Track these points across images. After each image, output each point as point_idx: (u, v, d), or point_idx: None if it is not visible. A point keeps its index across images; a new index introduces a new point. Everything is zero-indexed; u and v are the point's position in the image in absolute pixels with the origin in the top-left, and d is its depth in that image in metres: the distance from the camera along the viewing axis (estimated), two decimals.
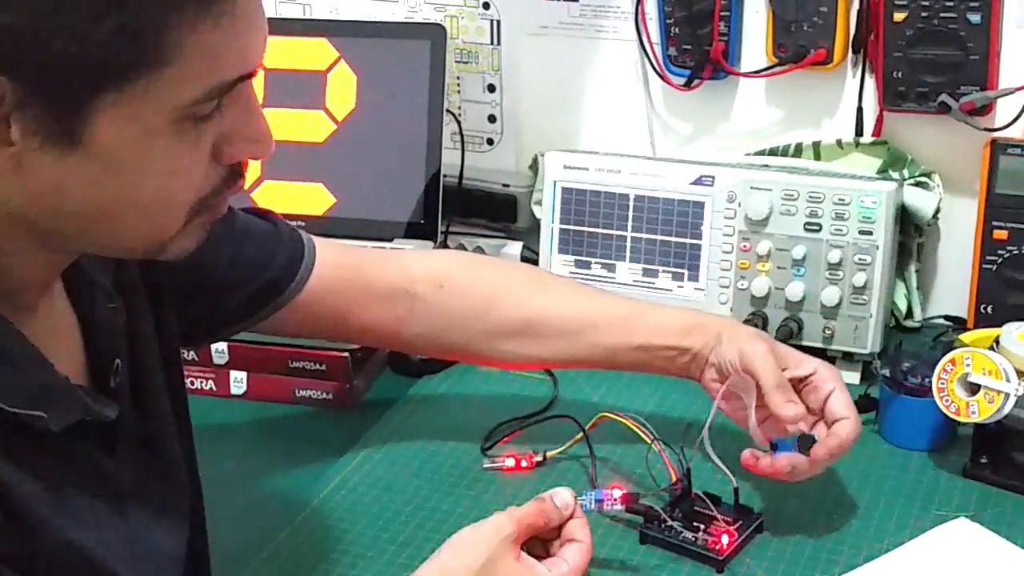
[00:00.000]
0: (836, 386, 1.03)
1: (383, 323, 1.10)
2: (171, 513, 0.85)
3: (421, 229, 1.48)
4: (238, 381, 1.29)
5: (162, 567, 0.82)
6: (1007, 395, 1.05)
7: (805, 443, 0.98)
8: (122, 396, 0.81)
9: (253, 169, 1.51)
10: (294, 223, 1.47)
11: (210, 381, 1.29)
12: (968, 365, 1.07)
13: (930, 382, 1.10)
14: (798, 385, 1.04)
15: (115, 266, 0.84)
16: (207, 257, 0.97)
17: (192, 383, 1.29)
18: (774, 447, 0.99)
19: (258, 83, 1.49)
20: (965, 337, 1.20)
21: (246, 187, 1.51)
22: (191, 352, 1.28)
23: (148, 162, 0.70)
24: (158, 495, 0.83)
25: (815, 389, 1.04)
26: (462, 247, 1.59)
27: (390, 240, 1.47)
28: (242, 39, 0.70)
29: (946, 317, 1.44)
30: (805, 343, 1.30)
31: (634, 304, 1.13)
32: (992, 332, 1.14)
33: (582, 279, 1.40)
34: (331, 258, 1.07)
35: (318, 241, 1.08)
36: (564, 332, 1.10)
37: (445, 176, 1.49)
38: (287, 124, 1.50)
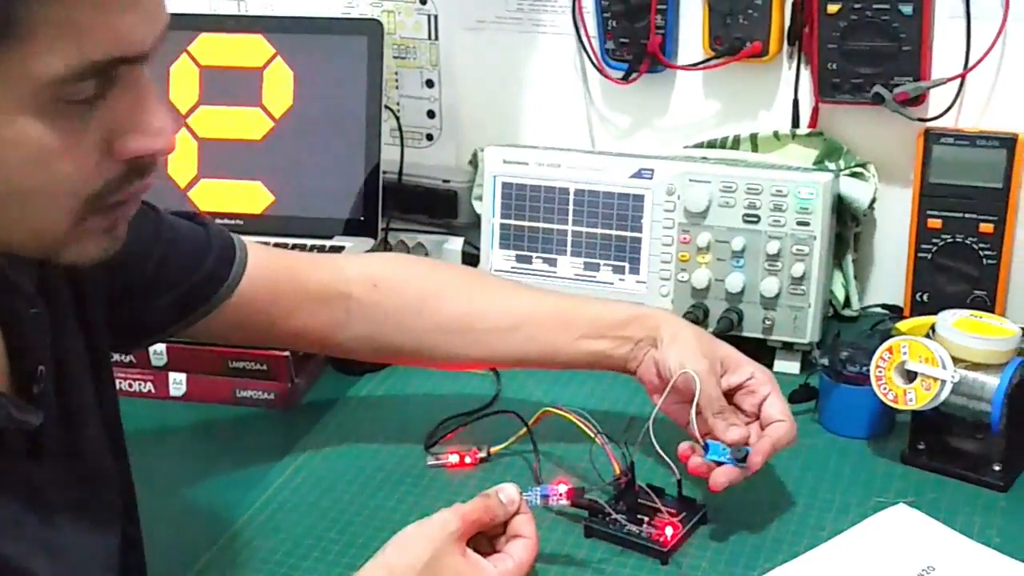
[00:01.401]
0: (771, 390, 1.05)
1: (317, 325, 1.09)
2: (101, 521, 0.83)
3: (361, 226, 1.47)
4: (177, 383, 1.28)
5: (92, 571, 0.81)
6: (943, 382, 1.07)
7: (739, 455, 0.99)
8: (47, 403, 0.79)
9: (189, 168, 1.50)
10: (232, 222, 1.49)
11: (148, 383, 1.28)
12: (905, 353, 1.08)
13: (868, 371, 1.11)
14: (734, 390, 1.05)
15: (38, 269, 0.83)
16: (134, 259, 0.96)
17: (130, 386, 1.28)
18: (705, 448, 1.00)
19: (193, 81, 1.49)
20: (902, 325, 1.21)
21: (183, 186, 1.50)
22: (127, 355, 1.26)
23: (13, 147, 0.65)
24: (87, 504, 0.82)
25: (751, 393, 1.05)
26: (403, 244, 1.59)
27: (330, 237, 1.47)
28: (113, 16, 0.65)
29: (883, 306, 1.46)
30: (745, 334, 1.31)
31: (571, 299, 1.14)
32: (928, 320, 1.15)
33: (523, 274, 1.41)
34: (263, 260, 1.06)
35: (250, 243, 1.07)
36: (501, 328, 1.10)
37: (385, 172, 1.49)
38: (224, 122, 1.49)
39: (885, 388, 1.09)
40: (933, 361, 1.07)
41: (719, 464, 1.00)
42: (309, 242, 1.46)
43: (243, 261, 1.04)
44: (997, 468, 1.09)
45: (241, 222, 1.49)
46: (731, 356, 1.07)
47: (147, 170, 0.72)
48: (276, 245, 1.45)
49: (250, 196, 1.49)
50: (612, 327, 1.09)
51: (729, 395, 1.05)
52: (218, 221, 1.45)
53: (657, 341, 1.07)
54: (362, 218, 1.47)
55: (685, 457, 1.01)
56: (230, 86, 1.49)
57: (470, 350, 1.11)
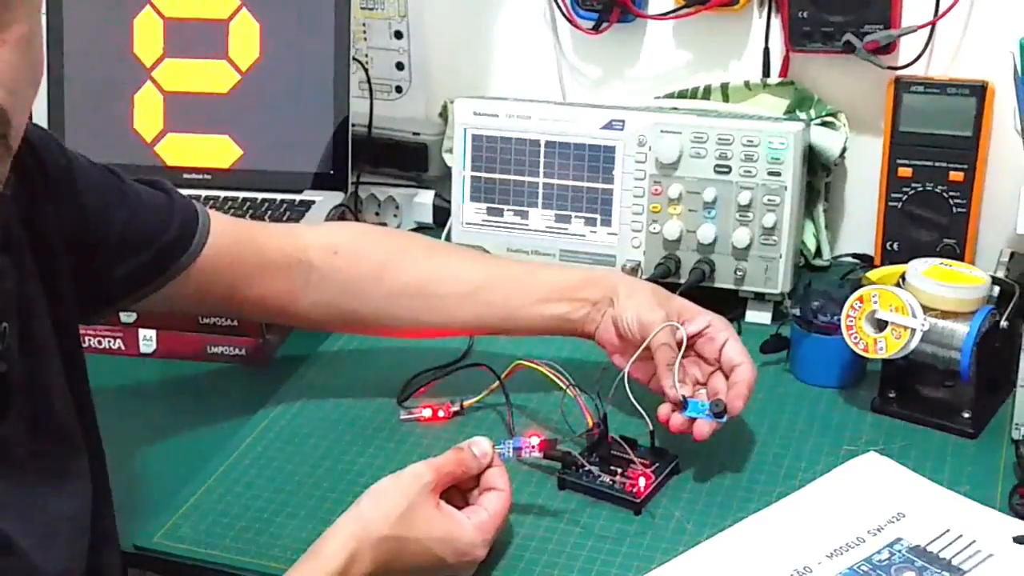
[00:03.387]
0: (729, 335, 1.06)
1: (278, 293, 1.09)
2: (70, 479, 0.83)
3: (330, 180, 1.47)
4: (147, 339, 1.28)
5: (62, 534, 0.81)
6: (913, 330, 1.07)
7: (717, 409, 1.00)
8: (11, 361, 0.79)
9: (155, 122, 1.49)
10: (200, 176, 1.48)
11: (118, 340, 1.28)
12: (875, 302, 1.09)
13: (839, 320, 1.12)
14: (694, 338, 1.06)
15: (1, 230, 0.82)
16: (100, 220, 0.96)
17: (99, 343, 1.27)
18: (684, 405, 1.01)
19: (157, 33, 1.48)
20: (872, 274, 1.22)
21: (149, 140, 1.49)
22: (89, 324, 1.25)
23: None
24: (55, 461, 0.82)
25: (710, 340, 1.06)
26: (373, 197, 1.58)
27: (299, 192, 1.46)
28: None
29: (854, 255, 1.46)
30: (717, 285, 1.31)
31: (528, 265, 1.16)
32: (898, 269, 1.16)
33: (494, 227, 1.41)
34: (225, 227, 1.06)
35: (211, 211, 1.07)
36: (459, 292, 1.11)
37: (354, 126, 1.48)
38: (190, 75, 1.48)
39: (856, 337, 1.10)
40: (903, 310, 1.08)
41: (697, 421, 1.01)
42: (278, 196, 1.45)
43: (206, 228, 1.04)
44: (966, 415, 1.10)
45: (209, 176, 1.48)
46: (687, 307, 1.08)
47: None
48: (245, 200, 1.45)
49: (218, 150, 1.48)
50: (569, 290, 1.10)
51: (689, 345, 1.06)
52: (186, 176, 1.48)
53: (614, 301, 1.08)
54: (331, 172, 1.47)
55: (665, 418, 1.02)
56: (195, 38, 1.47)
57: (428, 315, 1.12)
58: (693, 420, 1.01)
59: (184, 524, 1.00)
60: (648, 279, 1.28)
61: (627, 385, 1.00)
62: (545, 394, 1.13)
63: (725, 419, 1.00)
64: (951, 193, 1.34)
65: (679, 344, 1.04)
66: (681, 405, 1.01)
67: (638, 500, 0.99)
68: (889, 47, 1.36)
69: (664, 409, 1.02)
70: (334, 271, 1.11)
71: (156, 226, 1.01)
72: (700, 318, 1.07)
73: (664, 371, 1.02)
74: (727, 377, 1.04)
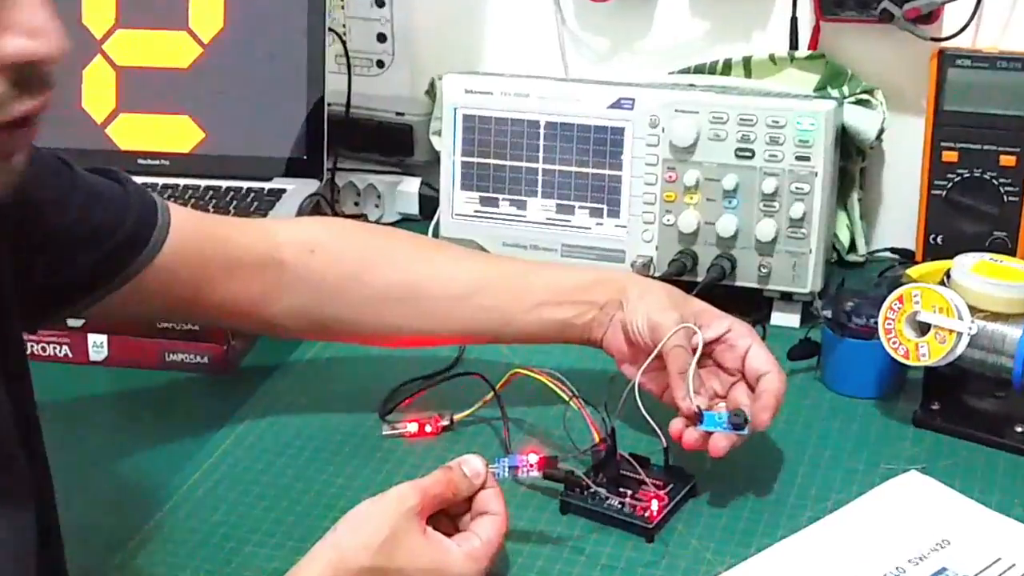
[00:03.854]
0: (752, 341, 1.05)
1: (247, 296, 1.09)
2: (11, 503, 0.83)
3: (304, 166, 1.47)
4: (98, 345, 1.27)
5: (3, 572, 0.80)
6: (960, 334, 1.07)
7: (738, 421, 0.99)
8: None
9: (106, 100, 1.49)
10: (157, 162, 1.48)
11: (65, 347, 1.27)
12: (917, 302, 1.09)
13: (876, 323, 1.11)
14: (713, 345, 1.06)
15: None
16: (47, 213, 0.96)
17: (43, 349, 1.27)
18: (700, 418, 1.00)
19: (109, 0, 1.47)
20: (913, 271, 1.22)
21: (99, 121, 1.49)
22: (33, 333, 1.25)
23: None
24: None
25: (731, 347, 1.06)
26: (351, 185, 1.58)
27: (269, 179, 1.46)
28: None
29: (892, 250, 1.46)
30: (739, 283, 1.31)
31: (526, 263, 1.15)
32: (943, 265, 1.16)
33: (488, 218, 1.40)
34: (187, 222, 1.06)
35: (172, 205, 1.06)
36: (449, 295, 1.11)
37: (330, 105, 1.48)
38: (145, 47, 1.48)
39: (895, 342, 1.10)
40: (949, 311, 1.08)
41: (711, 434, 1.00)
42: (245, 184, 1.45)
43: (165, 223, 1.04)
44: (1019, 430, 1.10)
45: (167, 162, 1.48)
46: (706, 311, 1.08)
47: (33, 84, 0.68)
48: (207, 188, 1.45)
49: (177, 132, 1.48)
50: (573, 291, 1.10)
51: (707, 353, 1.06)
52: (141, 161, 1.47)
53: (623, 303, 1.08)
54: (305, 157, 1.47)
55: (678, 434, 1.01)
56: (152, 6, 1.47)
57: (415, 321, 1.12)
58: (710, 435, 1.00)
59: (140, 555, 1.00)
60: (660, 277, 1.28)
61: (638, 396, 1.00)
62: (545, 406, 1.13)
63: (747, 431, 1.00)
64: (1002, 179, 1.34)
65: (695, 350, 1.03)
66: (696, 418, 1.00)
67: (650, 525, 0.99)
68: (932, 15, 1.36)
69: (677, 423, 1.01)
70: (310, 272, 1.10)
71: (109, 221, 1.01)
72: (719, 322, 1.07)
73: (677, 380, 1.02)
74: (752, 388, 1.04)
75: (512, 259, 1.15)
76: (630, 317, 1.07)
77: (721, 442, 1.00)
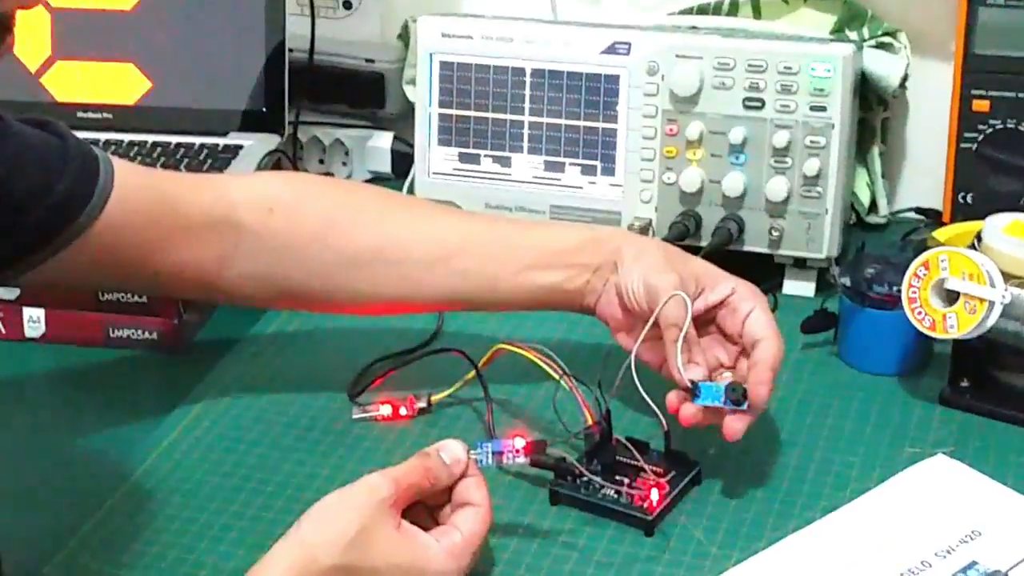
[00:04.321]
0: (755, 305, 1.05)
1: (200, 261, 1.09)
2: None
3: (262, 119, 1.46)
4: (34, 320, 1.27)
5: None
6: (991, 303, 1.07)
7: (735, 395, 0.99)
8: None
9: (41, 46, 1.48)
10: (98, 115, 1.47)
11: None
12: (944, 268, 1.09)
13: (899, 291, 1.11)
14: (716, 310, 1.06)
15: None
16: None
17: None
18: (695, 390, 1.01)
19: None
20: (940, 234, 1.22)
21: (33, 69, 1.48)
22: None
23: None
24: None
25: (733, 311, 1.06)
26: (316, 141, 1.58)
27: (224, 134, 1.46)
28: None
29: (917, 210, 1.46)
30: (747, 248, 1.31)
31: (512, 222, 1.15)
32: (973, 226, 1.16)
33: (469, 176, 1.40)
34: (133, 180, 1.06)
35: (116, 160, 1.06)
36: (426, 258, 1.11)
37: (291, 51, 1.48)
38: None
39: (920, 312, 1.10)
40: (979, 277, 1.08)
41: (716, 409, 1.01)
42: (197, 140, 1.44)
43: (108, 181, 1.03)
44: None
45: (109, 115, 1.48)
46: (708, 272, 1.08)
47: (7, 25, 0.69)
48: (154, 144, 1.44)
49: (120, 82, 1.48)
50: (564, 253, 1.10)
51: (710, 318, 1.06)
52: (80, 114, 1.47)
53: (618, 265, 1.08)
54: (264, 109, 1.46)
55: (675, 408, 1.01)
56: None
57: (388, 287, 1.12)
58: (711, 410, 1.00)
59: (82, 554, 1.00)
60: (661, 240, 1.28)
61: (635, 373, 1.00)
62: (533, 386, 1.13)
63: (746, 407, 1.00)
64: None
65: (697, 318, 1.04)
66: (691, 391, 1.01)
67: (650, 517, 0.99)
68: None
69: (672, 397, 1.02)
70: (269, 233, 1.10)
71: (46, 178, 1.00)
72: (723, 284, 1.07)
73: (671, 348, 1.02)
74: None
75: (495, 217, 1.14)
76: (624, 280, 1.07)
77: (735, 425, 1.00)
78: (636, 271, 1.06)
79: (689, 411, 1.01)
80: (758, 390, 1.00)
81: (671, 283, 1.04)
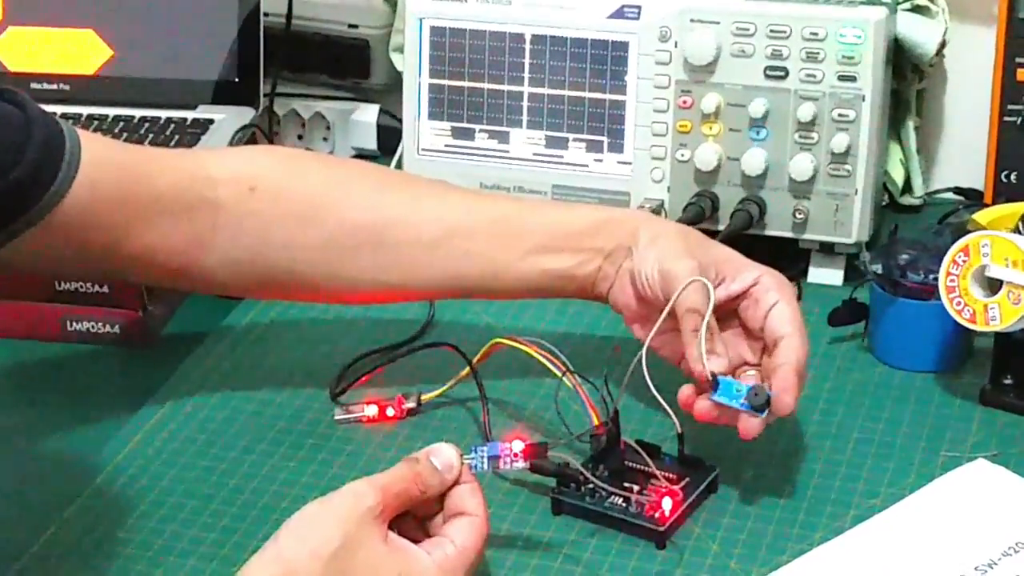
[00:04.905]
0: (780, 297, 1.05)
1: (174, 244, 1.09)
2: None
3: (235, 91, 1.47)
4: None
5: None
6: None
7: (758, 401, 0.99)
8: None
9: None
10: (55, 86, 1.47)
11: None
12: (986, 254, 1.09)
13: (936, 279, 1.12)
14: (738, 300, 1.06)
15: None
16: None
17: None
18: (714, 383, 1.01)
19: None
20: (981, 216, 1.22)
21: None
22: None
23: None
24: None
25: (755, 303, 1.06)
26: (294, 114, 1.58)
27: (192, 107, 1.46)
28: None
29: (956, 190, 1.47)
30: (769, 232, 1.32)
31: (518, 202, 1.14)
32: (1017, 208, 1.16)
33: (462, 154, 1.40)
34: (100, 155, 1.05)
35: (83, 133, 1.05)
36: (422, 241, 1.11)
37: (267, 16, 1.48)
38: None
39: (959, 302, 1.10)
40: None
41: (732, 408, 1.01)
42: (163, 114, 1.45)
43: (75, 155, 1.03)
44: None
45: (67, 86, 1.48)
46: (731, 259, 1.08)
47: None
48: (116, 118, 1.44)
49: (79, 50, 1.48)
50: (574, 236, 1.10)
51: (732, 310, 1.06)
52: (35, 85, 1.47)
53: (632, 249, 1.08)
54: (236, 80, 1.46)
55: (688, 402, 1.02)
56: None
57: (380, 272, 1.12)
58: (725, 408, 1.01)
59: (36, 571, 1.00)
60: None
61: (646, 369, 1.00)
62: (533, 383, 1.13)
63: (765, 414, 1.00)
64: None
65: (718, 308, 1.03)
66: (710, 385, 1.01)
67: (662, 528, 0.99)
68: None
69: (686, 391, 1.02)
70: (250, 214, 1.10)
71: (5, 154, 1.00)
72: (746, 272, 1.07)
73: (690, 338, 1.02)
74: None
75: (498, 196, 1.14)
76: (639, 266, 1.07)
77: (751, 424, 1.00)
78: (651, 256, 1.06)
79: (703, 406, 1.01)
80: (783, 399, 1.00)
81: (689, 269, 1.04)
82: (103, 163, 1.05)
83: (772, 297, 1.05)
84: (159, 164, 1.10)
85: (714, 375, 1.00)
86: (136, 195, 1.07)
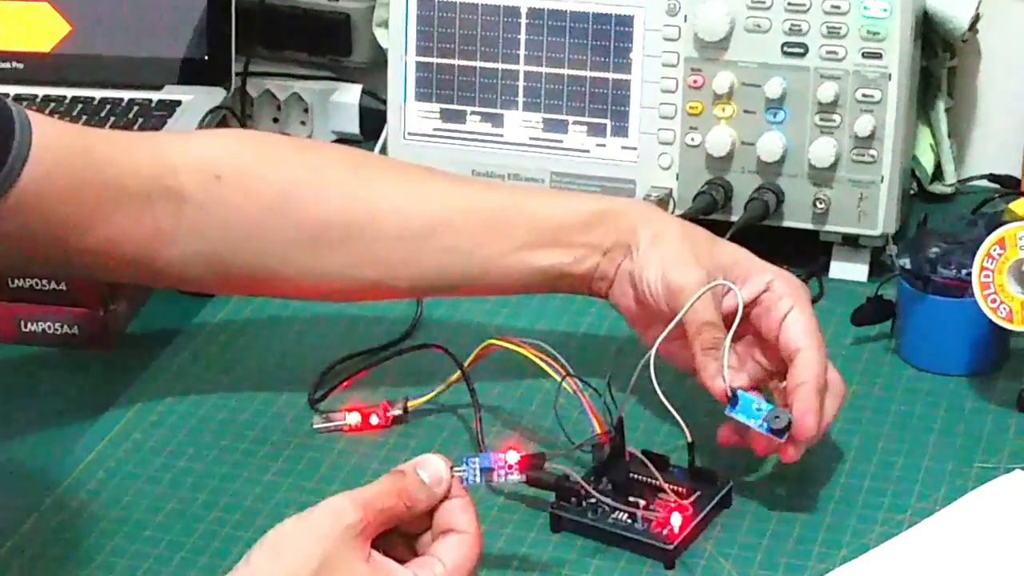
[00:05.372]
0: (794, 304, 1.05)
1: (134, 237, 1.08)
2: None
3: (204, 70, 1.47)
4: None
5: None
6: None
7: (779, 424, 0.99)
8: None
9: None
10: (9, 64, 1.47)
11: None
12: None
13: (969, 274, 1.11)
14: (749, 308, 1.05)
15: None
16: None
17: None
18: (734, 401, 1.01)
19: None
20: (1018, 206, 1.22)
21: None
22: None
23: None
24: None
25: (767, 311, 1.05)
26: (269, 95, 1.57)
27: (158, 88, 1.46)
28: None
29: (991, 177, 1.46)
30: (787, 223, 1.31)
31: (509, 188, 1.14)
32: None
33: (452, 138, 1.40)
34: (53, 139, 1.05)
35: (35, 116, 1.05)
36: (404, 234, 1.11)
37: None
38: None
39: (995, 299, 1.10)
40: None
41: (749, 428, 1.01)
42: (126, 94, 1.44)
43: (25, 141, 1.03)
44: None
45: (20, 64, 1.48)
46: (740, 263, 1.08)
47: None
48: (75, 99, 1.44)
49: (34, 24, 1.48)
50: (567, 230, 1.10)
51: (746, 316, 1.05)
52: None
53: (632, 250, 1.08)
54: (206, 58, 1.47)
55: (727, 440, 1.03)
56: None
57: (357, 268, 1.12)
58: (744, 428, 1.01)
59: None
60: (683, 216, 1.27)
61: (653, 373, 1.00)
62: (530, 388, 1.13)
63: (785, 439, 1.00)
64: None
65: (731, 315, 1.03)
66: (730, 400, 1.01)
67: (671, 546, 0.99)
68: None
69: (726, 431, 1.03)
70: (216, 205, 1.10)
71: None
72: (756, 277, 1.07)
73: (703, 360, 1.02)
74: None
75: (487, 184, 1.12)
76: (640, 271, 1.07)
77: (776, 443, 1.00)
78: (653, 261, 1.06)
79: (726, 431, 1.03)
80: (804, 422, 1.00)
81: (696, 282, 1.04)
82: (56, 148, 1.05)
83: (785, 304, 1.05)
84: (118, 149, 1.10)
85: (733, 391, 1.00)
86: (92, 184, 1.07)
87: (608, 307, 1.12)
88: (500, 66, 1.38)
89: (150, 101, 1.44)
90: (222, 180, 1.10)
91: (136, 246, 1.09)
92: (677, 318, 1.03)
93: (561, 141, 1.38)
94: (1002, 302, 1.10)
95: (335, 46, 1.58)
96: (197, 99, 1.44)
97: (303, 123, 1.59)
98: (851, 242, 1.33)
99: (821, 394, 1.01)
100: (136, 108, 1.43)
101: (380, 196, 1.13)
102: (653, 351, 1.02)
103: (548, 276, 1.11)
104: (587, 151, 1.37)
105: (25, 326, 1.27)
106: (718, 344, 1.02)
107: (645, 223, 1.10)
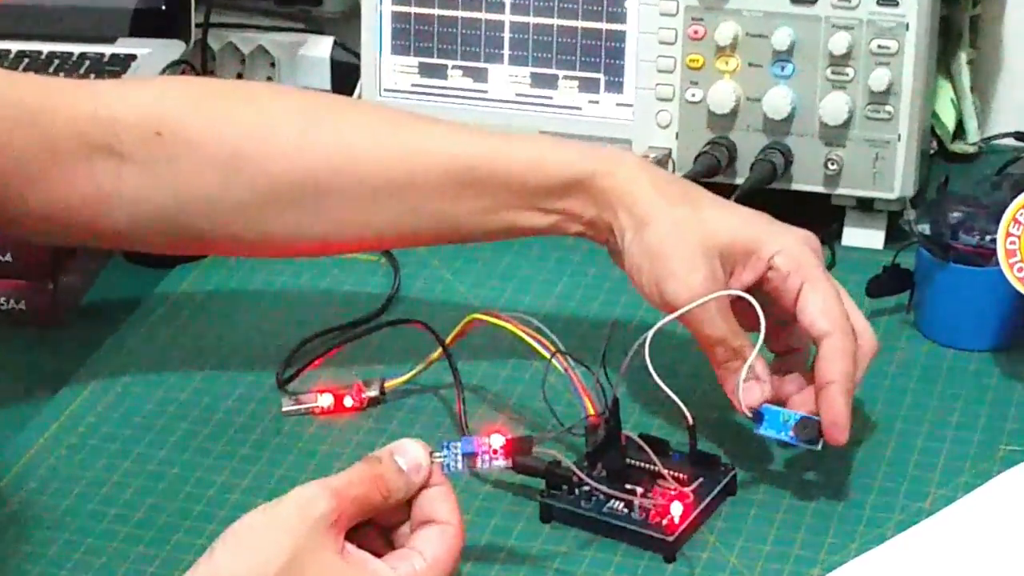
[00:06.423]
0: (803, 279, 1.04)
1: (73, 198, 1.08)
2: None
3: (162, 21, 1.47)
4: None
5: None
6: None
7: (809, 435, 1.00)
8: None
9: None
10: None
11: None
12: None
13: (993, 241, 1.12)
14: (755, 286, 1.05)
15: None
16: None
17: None
18: (758, 418, 1.02)
19: None
20: None
21: None
22: None
23: None
24: None
25: (776, 291, 1.05)
26: (232, 48, 1.57)
27: (111, 40, 1.46)
28: None
29: (1017, 135, 1.46)
30: (795, 186, 1.32)
31: (484, 141, 1.11)
32: None
33: (433, 95, 1.40)
34: None
35: None
36: (365, 193, 1.10)
37: None
38: None
39: (1021, 268, 1.10)
40: None
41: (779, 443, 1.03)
42: (76, 48, 1.45)
43: None
44: None
45: None
46: (737, 239, 1.06)
47: None
48: (20, 54, 1.43)
49: None
50: (544, 194, 1.09)
51: (759, 286, 1.05)
52: None
53: (616, 234, 1.07)
54: (163, 7, 1.47)
55: None
56: None
57: (315, 227, 1.12)
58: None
59: None
60: (685, 177, 1.27)
61: (647, 352, 0.99)
62: (517, 367, 1.14)
63: (820, 445, 1.01)
64: None
65: (749, 288, 1.03)
66: (754, 418, 1.02)
67: (670, 537, 0.99)
68: None
69: None
70: (157, 162, 1.10)
71: None
72: (756, 255, 1.05)
73: (722, 371, 1.03)
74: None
75: (467, 130, 1.10)
76: (629, 268, 1.06)
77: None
78: (644, 266, 1.05)
79: None
80: (833, 433, 1.01)
81: (698, 286, 1.03)
82: None
83: (793, 283, 1.04)
84: (55, 100, 1.10)
85: (755, 411, 1.02)
86: (26, 140, 1.07)
87: (602, 279, 1.12)
88: (484, 16, 1.38)
89: (102, 55, 1.43)
90: (162, 137, 1.10)
91: (76, 207, 1.10)
92: (672, 315, 1.03)
93: (550, 97, 1.38)
94: None
95: None
96: (154, 53, 1.44)
97: (270, 78, 1.58)
98: (866, 206, 1.33)
99: (850, 394, 1.02)
100: (87, 63, 1.42)
101: (335, 149, 1.12)
102: (651, 333, 1.01)
103: (531, 233, 1.12)
104: (579, 108, 1.37)
105: None
106: (734, 357, 1.02)
107: (623, 206, 1.07)
